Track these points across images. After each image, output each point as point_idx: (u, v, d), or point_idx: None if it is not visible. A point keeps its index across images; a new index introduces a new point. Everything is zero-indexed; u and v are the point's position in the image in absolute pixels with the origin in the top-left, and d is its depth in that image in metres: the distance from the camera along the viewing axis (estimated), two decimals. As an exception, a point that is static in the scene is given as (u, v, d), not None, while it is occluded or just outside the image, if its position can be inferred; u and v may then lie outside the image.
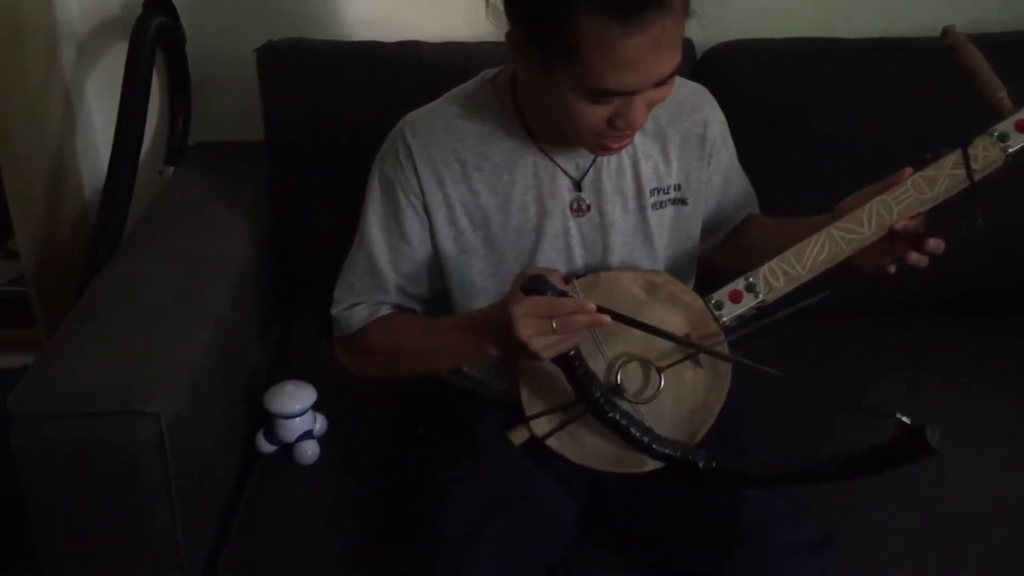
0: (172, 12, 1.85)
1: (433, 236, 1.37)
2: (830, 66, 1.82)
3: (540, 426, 1.32)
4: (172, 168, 1.95)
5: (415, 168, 1.33)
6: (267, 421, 1.55)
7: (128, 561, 1.36)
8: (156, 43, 1.80)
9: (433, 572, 1.24)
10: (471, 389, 1.47)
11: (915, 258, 1.26)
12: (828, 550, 1.27)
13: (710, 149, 1.42)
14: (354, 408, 1.63)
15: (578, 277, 1.33)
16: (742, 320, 1.29)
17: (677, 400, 1.31)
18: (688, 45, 1.77)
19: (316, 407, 1.56)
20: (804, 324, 1.25)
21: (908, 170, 1.27)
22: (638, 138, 1.34)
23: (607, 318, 1.17)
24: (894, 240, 1.26)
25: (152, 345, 1.39)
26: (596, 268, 1.38)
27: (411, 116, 1.37)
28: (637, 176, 1.38)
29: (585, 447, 1.33)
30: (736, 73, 1.81)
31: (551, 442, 1.32)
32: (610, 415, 1.24)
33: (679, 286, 1.33)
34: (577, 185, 1.36)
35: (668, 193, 1.40)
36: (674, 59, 1.15)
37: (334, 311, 1.42)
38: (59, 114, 1.91)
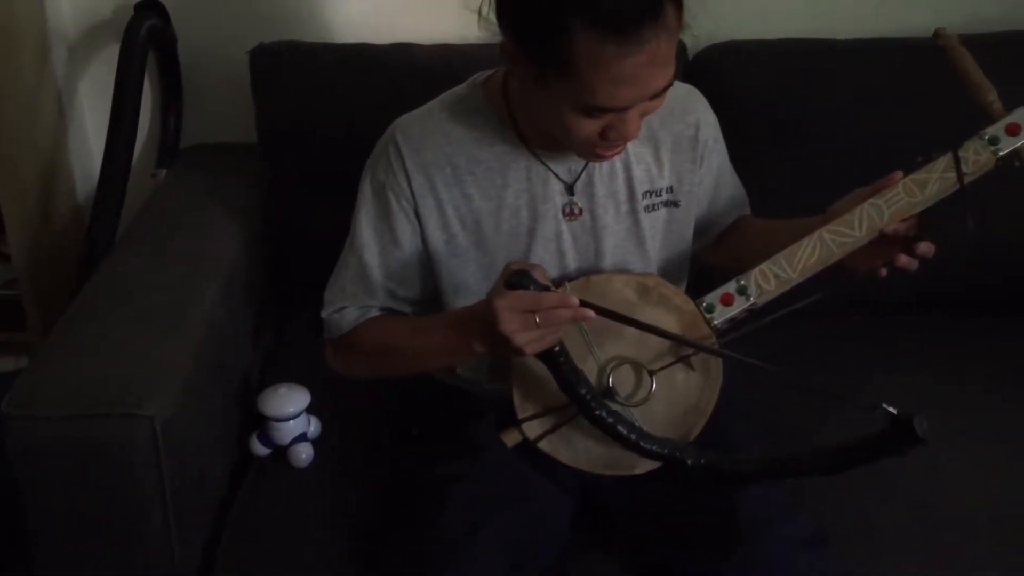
0: (164, 14, 1.85)
1: (424, 240, 1.37)
2: (823, 67, 1.82)
3: (532, 429, 1.32)
4: (165, 170, 1.95)
5: (406, 172, 1.33)
6: (261, 424, 1.55)
7: (122, 564, 1.37)
8: (148, 45, 1.80)
9: (429, 572, 1.24)
10: (464, 389, 1.47)
11: (904, 261, 1.26)
12: (824, 546, 1.28)
13: (702, 151, 1.43)
14: (348, 410, 1.63)
15: (570, 280, 1.34)
16: (733, 323, 1.29)
17: (669, 402, 1.32)
18: (680, 46, 1.77)
19: (310, 410, 1.56)
20: (796, 325, 1.25)
21: (898, 173, 1.27)
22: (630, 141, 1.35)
23: (590, 312, 1.16)
24: (885, 243, 1.26)
25: (146, 348, 1.39)
26: (588, 271, 1.38)
27: (402, 120, 1.37)
28: (629, 179, 1.38)
29: (577, 449, 1.33)
30: (728, 74, 1.81)
31: (543, 445, 1.33)
32: (597, 412, 1.24)
33: (671, 289, 1.33)
34: (569, 189, 1.36)
35: (660, 195, 1.41)
36: (668, 74, 1.15)
37: (324, 314, 1.42)
38: (51, 117, 1.91)
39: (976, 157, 1.26)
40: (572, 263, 1.39)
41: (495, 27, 1.19)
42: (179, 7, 1.87)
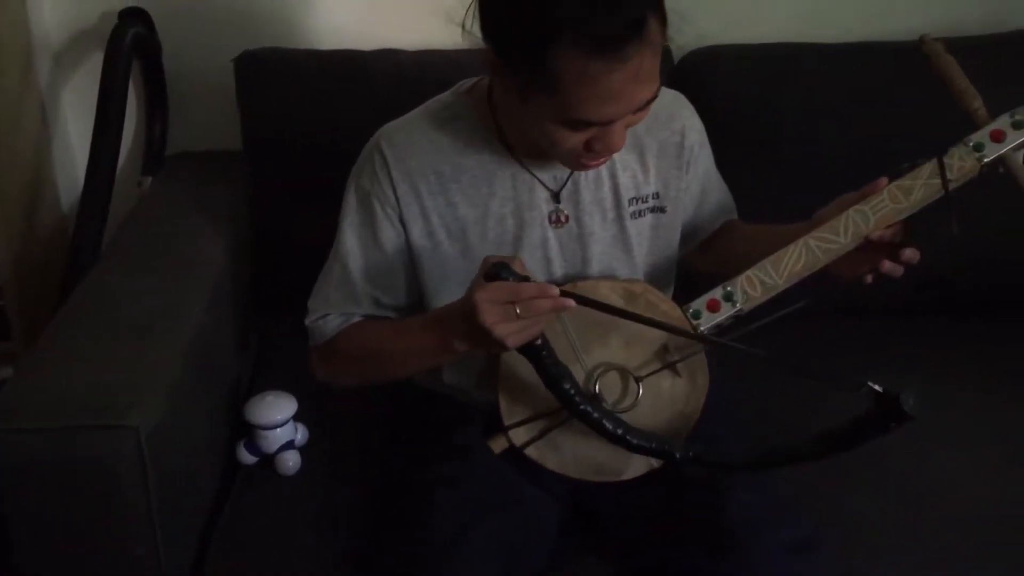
0: (148, 22, 1.85)
1: (410, 248, 1.37)
2: (807, 71, 1.83)
3: (519, 435, 1.32)
4: (150, 178, 1.94)
5: (391, 180, 1.33)
6: (248, 432, 1.55)
7: (109, 575, 1.36)
8: (132, 54, 1.79)
9: (419, 576, 1.25)
10: (452, 396, 1.47)
11: (889, 267, 1.26)
12: (816, 548, 1.28)
13: (688, 157, 1.43)
14: (335, 418, 1.63)
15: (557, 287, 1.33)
16: (719, 329, 1.30)
17: (656, 409, 1.32)
18: (665, 51, 1.77)
19: (297, 417, 1.56)
20: (786, 330, 1.25)
21: (884, 180, 1.28)
22: (616, 148, 1.35)
23: (571, 302, 1.16)
24: (870, 249, 1.27)
25: (131, 358, 1.39)
26: (575, 278, 1.38)
27: (387, 128, 1.37)
28: (615, 186, 1.38)
29: (564, 456, 1.33)
30: (713, 79, 1.82)
31: (530, 451, 1.32)
32: (582, 407, 1.24)
33: (657, 295, 1.33)
34: (555, 197, 1.36)
35: (647, 202, 1.41)
36: (653, 88, 1.15)
37: (308, 321, 1.42)
38: (35, 126, 1.90)
39: (961, 164, 1.26)
40: (559, 270, 1.39)
41: (479, 39, 1.19)
42: (163, 15, 1.87)
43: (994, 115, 1.27)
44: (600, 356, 1.30)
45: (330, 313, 1.40)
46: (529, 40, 1.11)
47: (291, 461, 1.54)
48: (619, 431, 1.25)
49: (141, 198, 1.89)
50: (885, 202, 1.27)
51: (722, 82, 1.81)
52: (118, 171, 1.84)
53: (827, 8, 1.95)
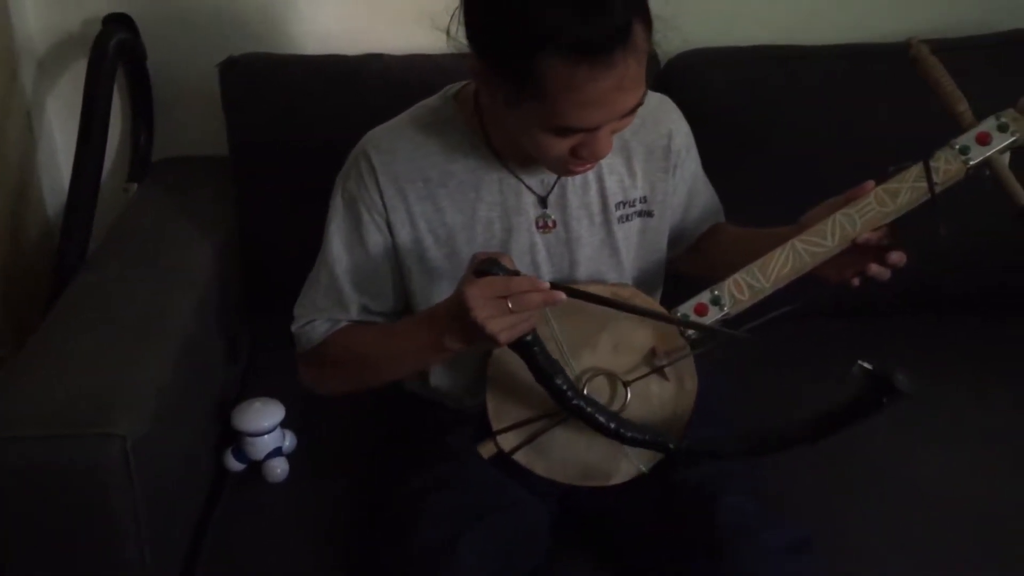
0: (132, 28, 1.84)
1: (397, 253, 1.36)
2: (794, 74, 1.83)
3: (507, 440, 1.32)
4: (136, 185, 1.93)
5: (378, 185, 1.33)
6: (235, 439, 1.54)
7: (96, 584, 1.35)
8: (117, 60, 1.78)
9: (410, 583, 1.24)
10: (441, 402, 1.47)
11: (876, 270, 1.27)
12: (807, 549, 1.28)
13: (675, 160, 1.43)
14: (323, 424, 1.62)
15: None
16: (708, 333, 1.30)
17: (645, 413, 1.32)
18: (651, 55, 1.77)
19: (285, 424, 1.55)
20: (775, 330, 1.25)
21: (870, 183, 1.28)
22: (602, 153, 1.35)
23: (562, 294, 1.16)
24: (857, 252, 1.27)
25: (117, 365, 1.38)
26: (563, 283, 1.37)
27: (374, 133, 1.37)
28: (602, 191, 1.38)
29: (553, 461, 1.33)
30: (700, 82, 1.81)
31: (519, 456, 1.32)
32: (574, 402, 1.24)
33: (645, 299, 1.34)
34: (542, 202, 1.36)
35: (634, 206, 1.41)
36: (638, 94, 1.16)
37: (294, 328, 1.42)
38: (19, 132, 1.89)
39: (947, 167, 1.27)
40: (547, 275, 1.38)
41: (464, 45, 1.19)
42: (148, 21, 1.86)
43: (980, 118, 1.28)
44: (588, 361, 1.30)
45: (317, 319, 1.40)
46: (514, 47, 1.11)
47: (279, 468, 1.54)
48: (612, 424, 1.26)
49: (127, 204, 1.88)
50: (872, 205, 1.27)
51: (709, 85, 1.81)
52: (104, 177, 1.83)
53: (813, 11, 1.95)
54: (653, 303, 1.33)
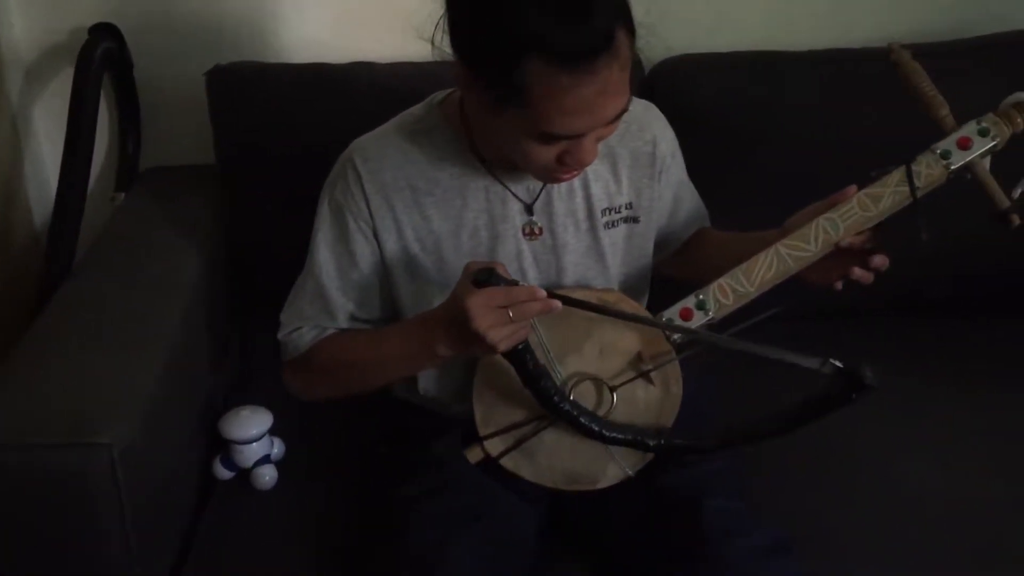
0: (119, 38, 1.83)
1: (383, 261, 1.36)
2: (778, 79, 1.84)
3: (494, 445, 1.33)
4: (123, 194, 1.93)
5: (364, 193, 1.33)
6: (224, 447, 1.54)
7: (84, 594, 1.35)
8: (103, 69, 1.78)
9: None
10: (428, 408, 1.47)
11: (859, 274, 1.28)
12: (788, 553, 1.29)
13: (660, 166, 1.43)
14: (312, 431, 1.62)
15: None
16: (693, 337, 1.30)
17: (630, 417, 1.32)
18: (636, 61, 1.78)
19: (273, 431, 1.55)
20: (760, 333, 1.26)
21: (852, 188, 1.29)
22: (588, 160, 1.35)
23: (559, 303, 1.17)
24: (840, 256, 1.28)
25: (104, 374, 1.38)
26: (550, 289, 1.38)
27: (360, 141, 1.37)
28: (588, 197, 1.39)
29: (540, 466, 1.33)
30: (684, 87, 1.82)
31: (505, 461, 1.33)
32: (561, 405, 1.25)
33: (632, 304, 1.34)
34: (528, 209, 1.37)
35: (620, 212, 1.41)
36: (622, 101, 1.16)
37: (280, 335, 1.42)
38: (6, 142, 1.89)
39: (928, 171, 1.28)
40: (533, 282, 1.39)
41: (449, 54, 1.20)
42: (134, 30, 1.85)
43: (961, 122, 1.29)
44: (574, 366, 1.31)
45: (303, 326, 1.40)
46: (498, 55, 1.12)
47: (267, 476, 1.53)
48: (595, 427, 1.27)
49: (114, 213, 1.88)
50: (854, 210, 1.28)
51: (694, 91, 1.81)
52: (90, 187, 1.83)
53: (795, 15, 1.96)
54: (640, 308, 1.34)
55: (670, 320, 1.30)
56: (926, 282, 1.78)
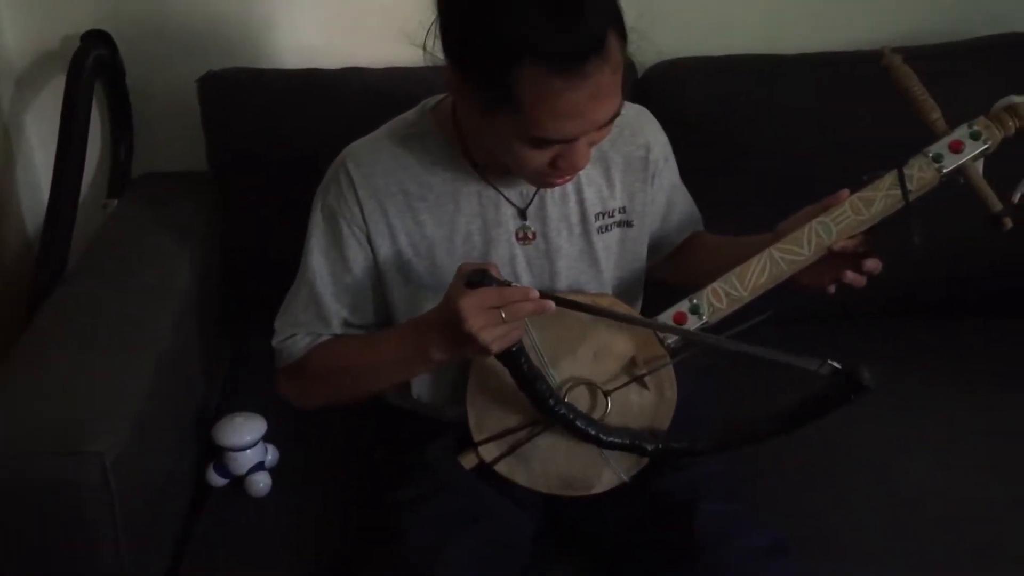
0: (111, 44, 1.83)
1: (377, 266, 1.36)
2: (770, 82, 1.84)
3: (489, 451, 1.33)
4: (115, 200, 1.93)
5: (358, 199, 1.33)
6: (217, 454, 1.54)
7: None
8: (95, 76, 1.78)
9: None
10: (423, 413, 1.47)
11: (852, 277, 1.28)
12: (786, 555, 1.29)
13: (653, 170, 1.44)
14: (306, 438, 1.62)
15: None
16: (686, 342, 1.30)
17: (624, 422, 1.32)
18: (628, 65, 1.78)
19: (267, 438, 1.55)
20: (755, 337, 1.26)
21: (845, 192, 1.29)
22: (581, 164, 1.35)
23: (551, 304, 1.17)
24: (833, 260, 1.28)
25: (95, 382, 1.37)
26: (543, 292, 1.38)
27: (353, 147, 1.37)
28: (581, 202, 1.39)
29: (534, 471, 1.33)
30: (678, 92, 1.82)
31: (500, 467, 1.33)
32: (555, 408, 1.25)
33: (625, 308, 1.34)
34: (522, 214, 1.37)
35: (613, 216, 1.41)
36: (614, 105, 1.16)
37: (274, 342, 1.41)
38: (-2, 149, 1.89)
39: (921, 174, 1.28)
40: (526, 285, 1.38)
41: (441, 60, 1.20)
42: (126, 37, 1.85)
43: (952, 126, 1.29)
44: (569, 371, 1.31)
45: (297, 333, 1.40)
46: (490, 60, 1.12)
47: (261, 483, 1.53)
48: (591, 430, 1.27)
49: (106, 220, 1.88)
50: (847, 213, 1.28)
51: (687, 95, 1.82)
52: (83, 194, 1.83)
53: (788, 19, 1.96)
54: (633, 312, 1.34)
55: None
56: (919, 285, 1.79)
